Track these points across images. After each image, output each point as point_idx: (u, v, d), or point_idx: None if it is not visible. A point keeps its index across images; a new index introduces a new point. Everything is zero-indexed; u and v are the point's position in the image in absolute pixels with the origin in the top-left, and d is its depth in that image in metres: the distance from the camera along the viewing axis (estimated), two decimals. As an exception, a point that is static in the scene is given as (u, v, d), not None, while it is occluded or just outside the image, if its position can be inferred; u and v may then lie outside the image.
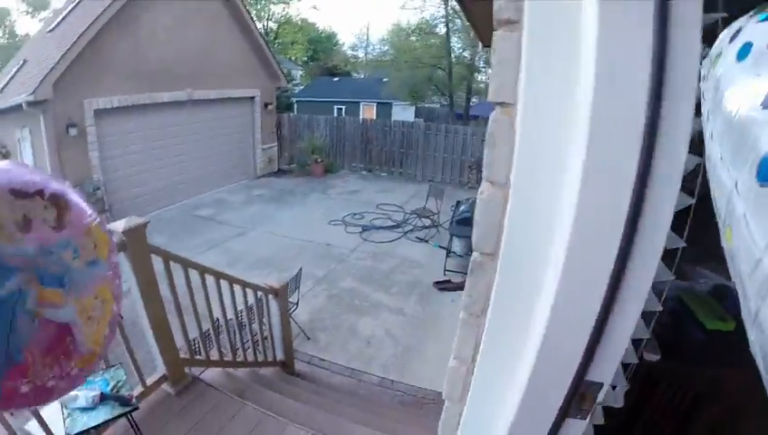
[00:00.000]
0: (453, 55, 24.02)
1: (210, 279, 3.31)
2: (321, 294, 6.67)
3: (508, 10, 1.13)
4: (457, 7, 22.25)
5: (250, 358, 3.96)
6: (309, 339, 5.51)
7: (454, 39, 24.18)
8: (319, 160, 13.63)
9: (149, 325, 3.00)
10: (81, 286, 1.10)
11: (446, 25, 23.63)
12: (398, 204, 10.46)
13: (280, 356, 4.32)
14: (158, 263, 2.96)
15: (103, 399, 2.44)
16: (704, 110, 0.97)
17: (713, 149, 0.90)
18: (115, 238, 2.66)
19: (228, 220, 9.87)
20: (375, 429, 3.26)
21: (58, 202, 1.06)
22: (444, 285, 6.80)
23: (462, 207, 7.81)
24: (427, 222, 9.05)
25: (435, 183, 11.13)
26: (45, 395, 1.10)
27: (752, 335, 0.65)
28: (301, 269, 5.36)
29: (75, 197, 1.13)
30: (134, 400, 2.54)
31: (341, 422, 3.39)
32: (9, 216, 0.97)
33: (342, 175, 13.58)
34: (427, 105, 29.54)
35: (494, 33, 1.20)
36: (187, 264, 3.11)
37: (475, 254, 1.38)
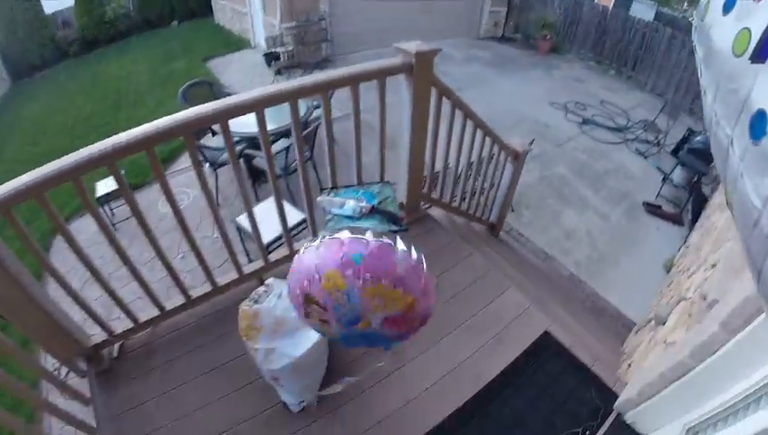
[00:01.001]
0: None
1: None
2: (534, 172, 6.52)
3: None
4: None
5: (469, 211, 4.02)
6: (513, 211, 5.49)
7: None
8: (548, 37, 12.65)
9: (407, 154, 3.11)
10: None
11: None
12: (623, 108, 9.53)
13: (493, 219, 4.35)
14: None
15: (372, 212, 2.30)
16: (697, 63, 0.94)
17: (707, 105, 0.85)
18: (405, 58, 2.69)
19: (448, 72, 9.68)
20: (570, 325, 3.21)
21: None
22: (653, 210, 6.24)
23: (698, 138, 6.90)
24: (651, 138, 8.19)
25: (671, 100, 9.88)
26: None
27: (760, 290, 0.63)
28: (533, 141, 5.20)
29: None
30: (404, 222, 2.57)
31: (547, 302, 3.39)
32: None
33: (568, 59, 12.52)
34: (669, 12, 25.53)
35: None
36: (457, 103, 3.09)
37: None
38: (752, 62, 0.70)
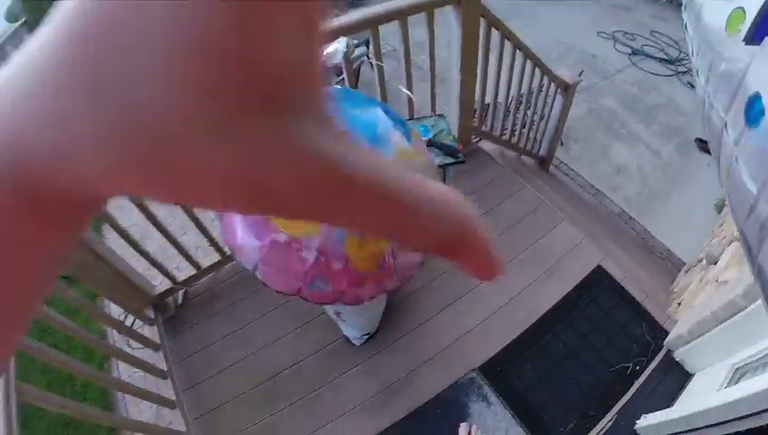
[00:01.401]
0: None
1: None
2: (582, 105, 6.27)
3: None
4: None
5: (519, 144, 3.94)
6: (562, 145, 5.35)
7: None
8: (593, -40, 11.89)
9: (458, 87, 3.03)
10: None
11: None
12: (675, 39, 8.94)
13: (543, 152, 4.26)
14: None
15: (429, 145, 2.39)
16: (689, 42, 0.92)
17: (700, 86, 0.83)
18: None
19: (486, 3, 9.24)
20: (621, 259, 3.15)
21: None
22: (705, 146, 5.92)
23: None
24: (703, 70, 7.73)
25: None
26: None
27: (757, 280, 0.60)
28: (582, 72, 5.00)
29: None
30: (460, 154, 2.56)
31: (599, 236, 3.35)
32: None
33: (616, -15, 11.82)
34: None
35: None
36: (506, 33, 2.99)
37: None
38: (746, 44, 0.67)
